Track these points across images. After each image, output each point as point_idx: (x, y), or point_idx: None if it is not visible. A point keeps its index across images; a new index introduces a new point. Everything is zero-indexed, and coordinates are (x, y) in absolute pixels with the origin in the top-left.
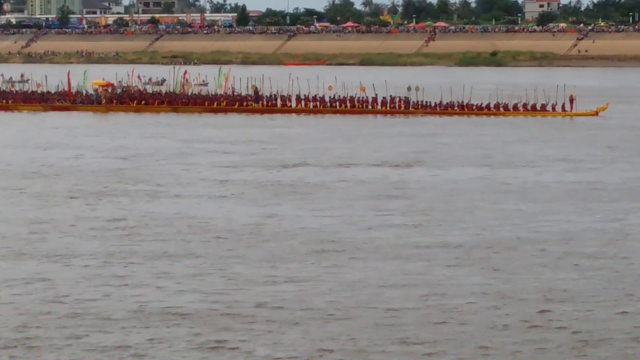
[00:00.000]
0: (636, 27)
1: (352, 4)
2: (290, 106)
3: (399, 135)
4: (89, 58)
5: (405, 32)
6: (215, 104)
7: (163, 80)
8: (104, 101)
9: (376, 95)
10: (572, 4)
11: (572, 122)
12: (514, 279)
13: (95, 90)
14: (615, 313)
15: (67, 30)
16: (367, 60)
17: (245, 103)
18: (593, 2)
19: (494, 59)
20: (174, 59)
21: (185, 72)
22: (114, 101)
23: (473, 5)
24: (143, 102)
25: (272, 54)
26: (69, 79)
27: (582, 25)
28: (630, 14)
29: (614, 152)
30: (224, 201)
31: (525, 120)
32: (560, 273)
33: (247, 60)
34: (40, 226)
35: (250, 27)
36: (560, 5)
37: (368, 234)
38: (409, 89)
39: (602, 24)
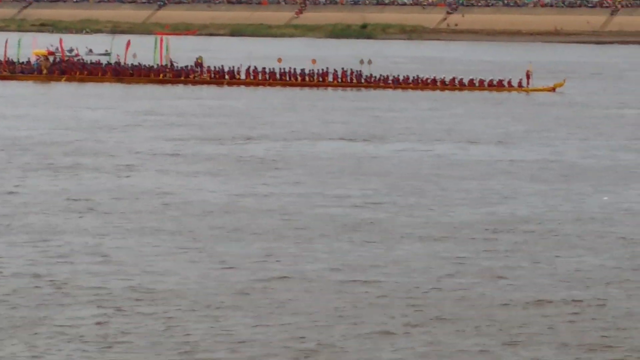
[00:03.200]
0: (506, 1)
1: None
2: (239, 78)
3: (353, 109)
4: None
5: (276, 3)
6: (161, 75)
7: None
8: (45, 71)
9: (327, 68)
10: None
11: (530, 98)
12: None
13: (37, 59)
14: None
15: None
16: (237, 31)
17: (192, 75)
18: None
19: (363, 32)
20: (43, 27)
21: (129, 42)
22: (55, 71)
23: None
24: (86, 72)
25: (141, 24)
26: (5, 49)
27: None
28: None
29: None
30: (181, 175)
31: (482, 96)
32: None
33: (117, 29)
34: None
35: None
36: None
37: (325, 210)
38: (361, 62)
39: None
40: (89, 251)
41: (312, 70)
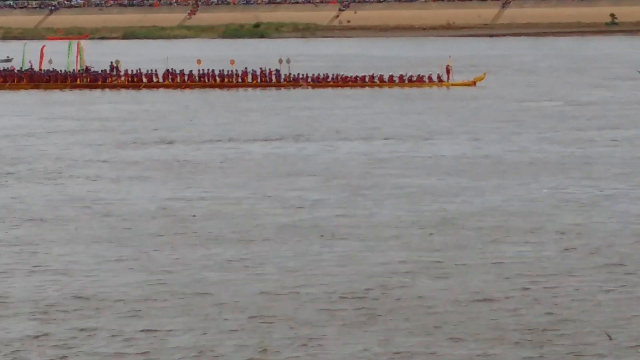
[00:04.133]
0: None
1: None
2: (158, 81)
3: (275, 109)
4: None
5: (168, 4)
6: (78, 80)
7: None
8: None
9: (246, 68)
10: None
11: (451, 92)
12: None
13: None
14: None
15: None
16: (130, 34)
17: (109, 79)
18: None
19: (257, 31)
20: None
21: (43, 47)
22: None
23: None
24: (0, 79)
25: (33, 29)
26: None
27: None
28: None
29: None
30: (107, 181)
31: (403, 92)
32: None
33: (9, 35)
34: None
35: (11, 2)
36: None
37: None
38: (280, 61)
39: None
40: (23, 261)
41: (231, 71)
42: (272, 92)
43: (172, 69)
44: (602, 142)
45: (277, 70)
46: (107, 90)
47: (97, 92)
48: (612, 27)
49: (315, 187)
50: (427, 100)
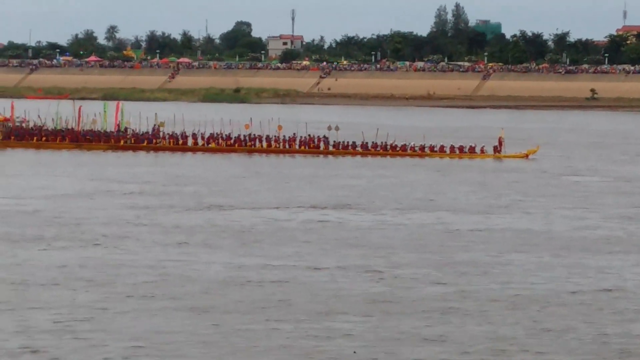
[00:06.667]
0: (378, 66)
1: (96, 38)
2: (204, 145)
3: (324, 177)
4: None
5: (149, 67)
6: (121, 141)
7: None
8: (0, 137)
9: (294, 134)
10: (315, 42)
11: (501, 164)
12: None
13: None
14: None
15: None
16: (110, 95)
17: (154, 141)
18: (336, 41)
19: (237, 96)
20: None
21: (80, 108)
22: (12, 137)
23: (217, 41)
24: (44, 138)
25: (13, 87)
26: None
27: (324, 63)
28: (373, 53)
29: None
30: (168, 247)
31: (452, 163)
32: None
33: None
34: None
35: None
36: (304, 43)
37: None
38: (329, 128)
39: (345, 62)
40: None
41: (278, 136)
42: (319, 159)
43: (218, 132)
44: None
45: (325, 137)
46: (151, 152)
47: (141, 154)
48: (592, 102)
49: (382, 258)
50: (480, 171)
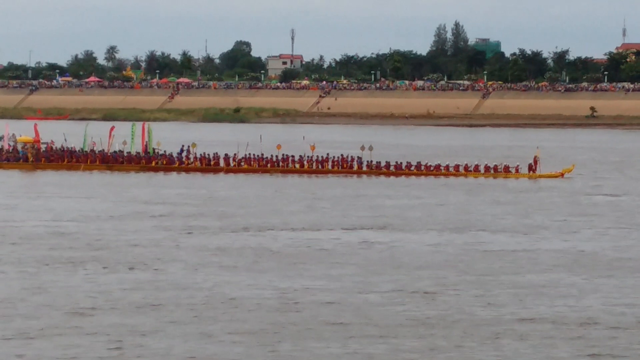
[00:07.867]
0: (377, 85)
1: (95, 58)
2: (236, 166)
3: (359, 197)
4: None
5: (149, 87)
6: (153, 162)
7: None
8: (31, 159)
9: (328, 154)
10: (315, 62)
11: (537, 184)
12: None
13: (23, 147)
14: None
15: None
16: (109, 115)
17: (186, 162)
18: (335, 60)
19: (237, 115)
20: None
21: (112, 129)
22: (42, 159)
23: (217, 61)
24: (74, 159)
25: (13, 108)
26: None
27: (324, 82)
28: (372, 72)
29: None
30: (202, 270)
31: (488, 182)
32: None
33: None
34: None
35: None
36: (303, 62)
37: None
38: (362, 148)
39: (345, 81)
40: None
41: (311, 156)
42: (353, 179)
43: (250, 153)
44: None
45: (359, 157)
46: (182, 173)
47: (172, 175)
48: (592, 120)
49: (436, 280)
50: (516, 191)
